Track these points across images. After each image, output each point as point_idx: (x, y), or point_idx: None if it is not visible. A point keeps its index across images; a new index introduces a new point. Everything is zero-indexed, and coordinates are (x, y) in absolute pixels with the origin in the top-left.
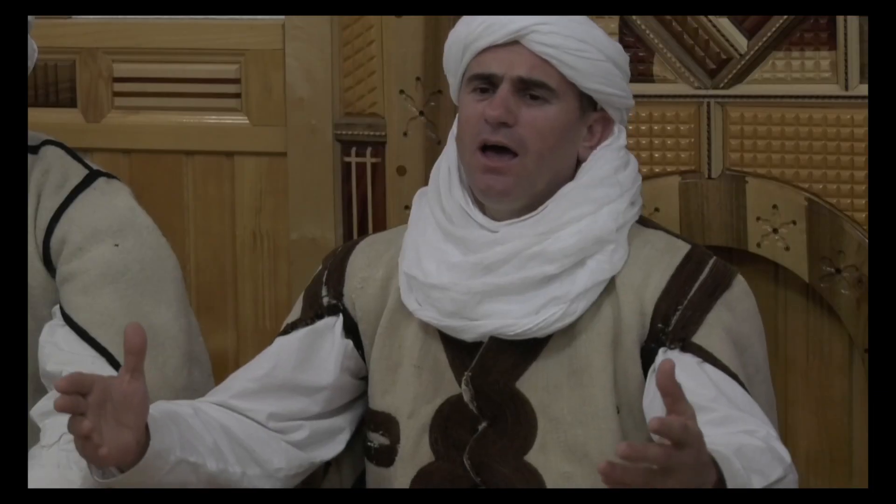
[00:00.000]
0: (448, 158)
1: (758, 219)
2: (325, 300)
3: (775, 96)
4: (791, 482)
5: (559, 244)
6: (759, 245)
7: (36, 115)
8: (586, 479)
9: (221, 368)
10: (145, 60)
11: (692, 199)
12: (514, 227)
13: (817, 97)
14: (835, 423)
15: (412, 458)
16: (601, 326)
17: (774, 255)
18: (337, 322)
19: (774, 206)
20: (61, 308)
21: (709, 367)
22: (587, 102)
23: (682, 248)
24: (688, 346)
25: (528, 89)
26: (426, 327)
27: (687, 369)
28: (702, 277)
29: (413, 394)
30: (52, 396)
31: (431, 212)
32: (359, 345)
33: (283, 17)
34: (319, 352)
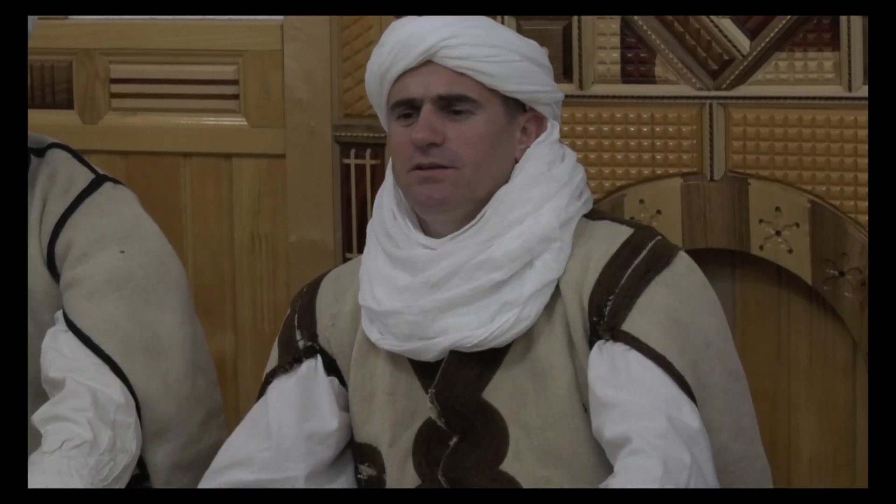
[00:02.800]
0: (387, 187)
1: (760, 221)
2: (301, 343)
3: (778, 97)
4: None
5: (503, 248)
6: (761, 248)
7: (33, 117)
8: (563, 480)
9: (220, 372)
10: (143, 62)
11: (694, 201)
12: (455, 241)
13: (820, 98)
14: (838, 427)
15: (399, 485)
16: (555, 328)
17: (777, 258)
18: (317, 363)
19: (777, 209)
20: (64, 314)
21: (633, 355)
22: (514, 105)
23: (623, 234)
24: (617, 335)
25: (451, 105)
26: (394, 354)
27: (611, 359)
28: (636, 262)
29: (391, 421)
30: (54, 402)
31: (378, 240)
32: (342, 380)
33: (281, 17)
34: (314, 398)
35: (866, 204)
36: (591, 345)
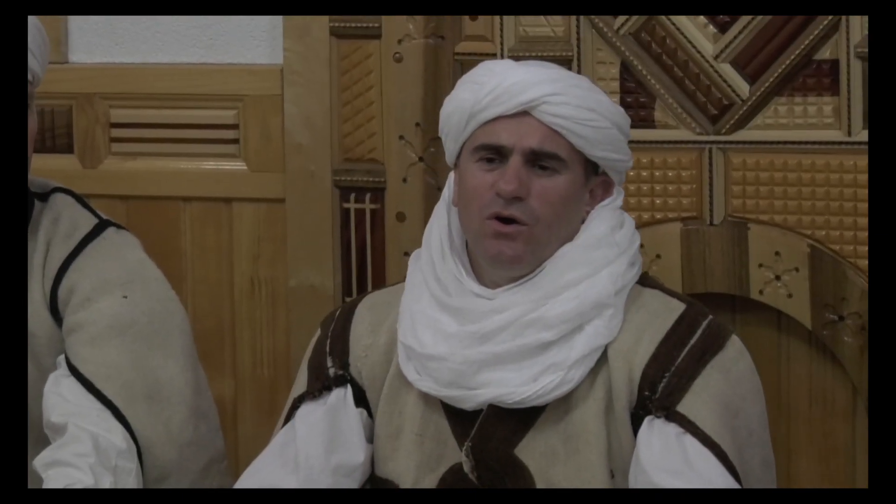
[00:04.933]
0: (440, 226)
1: (760, 266)
2: (332, 371)
3: (777, 142)
4: None
5: (557, 309)
6: (761, 292)
7: (33, 161)
8: None
9: (220, 417)
10: (143, 106)
11: (694, 245)
12: (510, 293)
13: (820, 143)
14: (838, 473)
15: None
16: (595, 393)
17: (777, 303)
18: (347, 393)
19: (777, 253)
20: (67, 358)
21: (688, 440)
22: (591, 167)
23: (676, 309)
24: (672, 416)
25: (539, 160)
26: (427, 395)
27: (664, 440)
28: (692, 341)
29: (416, 462)
30: (56, 447)
31: (425, 280)
32: (369, 412)
33: (281, 62)
34: (343, 429)
35: (866, 248)
36: (633, 417)
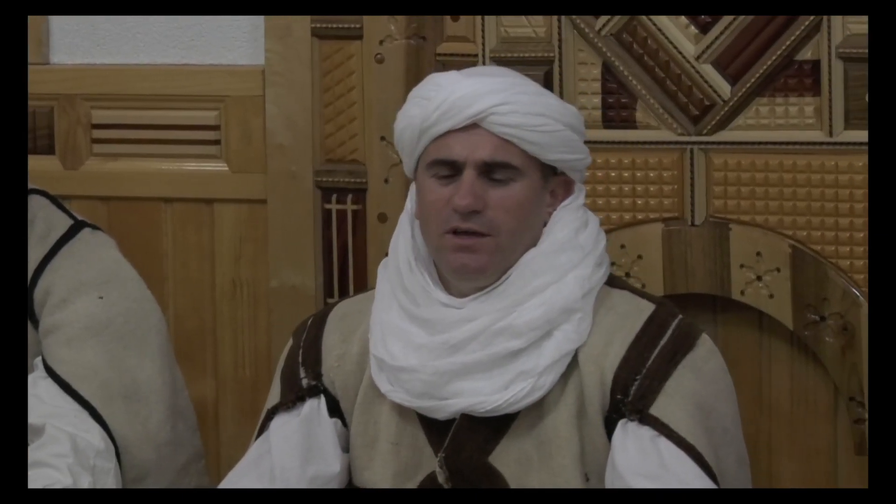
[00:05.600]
0: (405, 237)
1: (741, 266)
2: (305, 381)
3: (759, 143)
4: None
5: (525, 317)
6: (742, 293)
7: None
8: None
9: (201, 418)
10: (124, 107)
11: (675, 246)
12: (478, 302)
13: (801, 143)
14: (820, 472)
15: None
16: (567, 398)
17: (758, 303)
18: (320, 403)
19: (758, 254)
20: (44, 360)
21: (663, 443)
22: (549, 169)
23: (646, 310)
24: (645, 419)
25: (493, 171)
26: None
27: (639, 444)
28: (663, 342)
29: (392, 471)
30: (34, 448)
31: (393, 291)
32: (344, 421)
33: (262, 63)
34: (317, 440)
35: (847, 249)
36: (607, 420)
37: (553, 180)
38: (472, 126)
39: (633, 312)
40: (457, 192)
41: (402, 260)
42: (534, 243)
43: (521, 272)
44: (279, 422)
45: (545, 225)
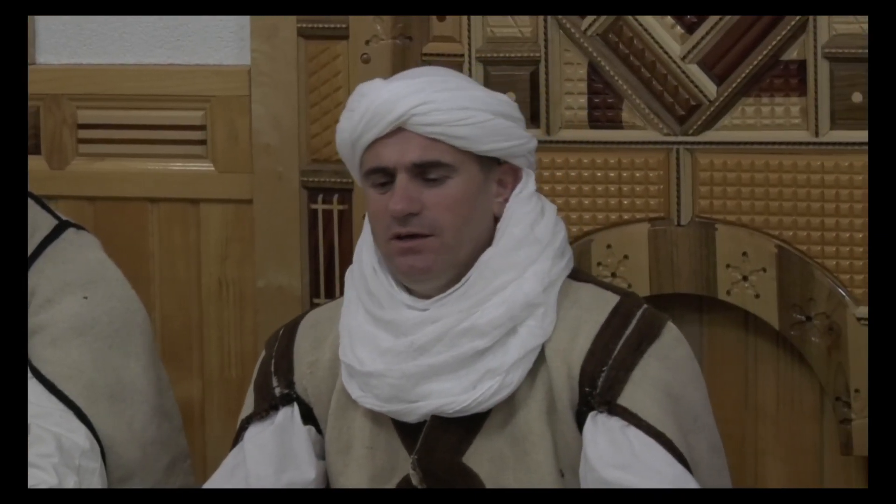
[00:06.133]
0: (367, 242)
1: (728, 266)
2: (278, 390)
3: (745, 143)
4: None
5: (488, 316)
6: (728, 292)
7: None
8: None
9: (187, 418)
10: (110, 107)
11: (661, 246)
12: (441, 304)
13: (787, 143)
14: (806, 473)
15: None
16: (537, 394)
17: (744, 303)
18: (294, 412)
19: (744, 254)
20: (29, 360)
21: (632, 432)
22: (488, 161)
23: (610, 301)
24: (614, 409)
25: (425, 172)
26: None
27: (609, 435)
28: (627, 332)
29: (368, 475)
30: None
31: (359, 296)
32: (318, 428)
33: (248, 63)
34: (292, 447)
35: (833, 249)
36: (577, 413)
37: (497, 170)
38: (398, 130)
39: (598, 304)
40: (392, 199)
41: (366, 264)
42: (487, 237)
43: (480, 272)
44: (253, 431)
45: (499, 219)
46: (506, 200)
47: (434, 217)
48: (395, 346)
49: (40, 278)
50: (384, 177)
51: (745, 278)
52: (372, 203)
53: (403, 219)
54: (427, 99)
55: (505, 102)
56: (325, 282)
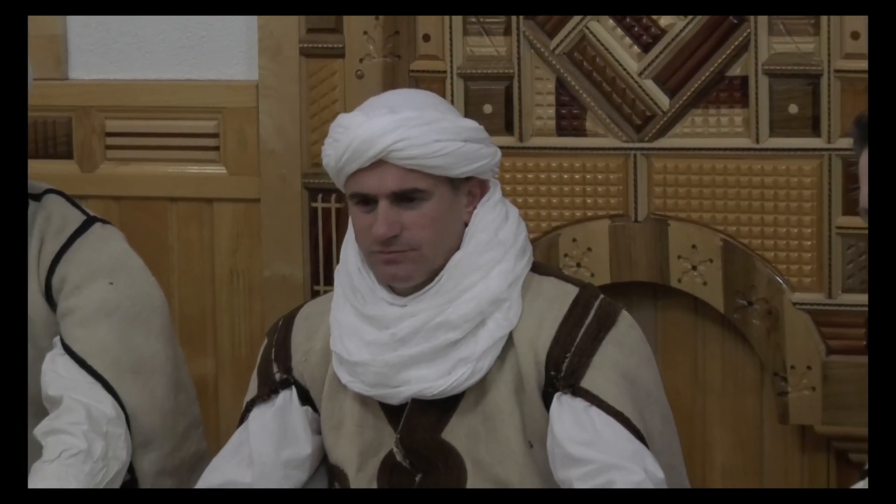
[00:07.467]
0: (352, 245)
1: (679, 257)
2: (278, 376)
3: (694, 149)
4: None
5: (459, 311)
6: (679, 280)
7: (36, 167)
8: None
9: (202, 392)
10: (134, 117)
11: (621, 240)
12: (417, 300)
13: (731, 150)
14: (748, 440)
15: None
16: (506, 377)
17: (693, 290)
18: (292, 394)
19: (694, 246)
20: (61, 339)
21: (594, 411)
22: (459, 179)
23: (571, 293)
24: (577, 391)
25: (404, 197)
26: None
27: (574, 415)
28: (588, 321)
29: (358, 450)
30: (53, 417)
31: (345, 293)
32: (315, 408)
33: (256, 78)
34: (291, 426)
35: (772, 242)
36: (543, 394)
37: (466, 185)
38: (379, 163)
39: (560, 296)
40: (375, 222)
41: (351, 264)
42: (457, 241)
43: (451, 273)
44: (256, 412)
45: (468, 224)
46: (474, 208)
47: (412, 235)
48: (378, 338)
49: (70, 267)
50: (366, 199)
51: (694, 268)
52: (356, 219)
53: (385, 241)
54: (403, 136)
55: (472, 129)
56: (325, 272)
